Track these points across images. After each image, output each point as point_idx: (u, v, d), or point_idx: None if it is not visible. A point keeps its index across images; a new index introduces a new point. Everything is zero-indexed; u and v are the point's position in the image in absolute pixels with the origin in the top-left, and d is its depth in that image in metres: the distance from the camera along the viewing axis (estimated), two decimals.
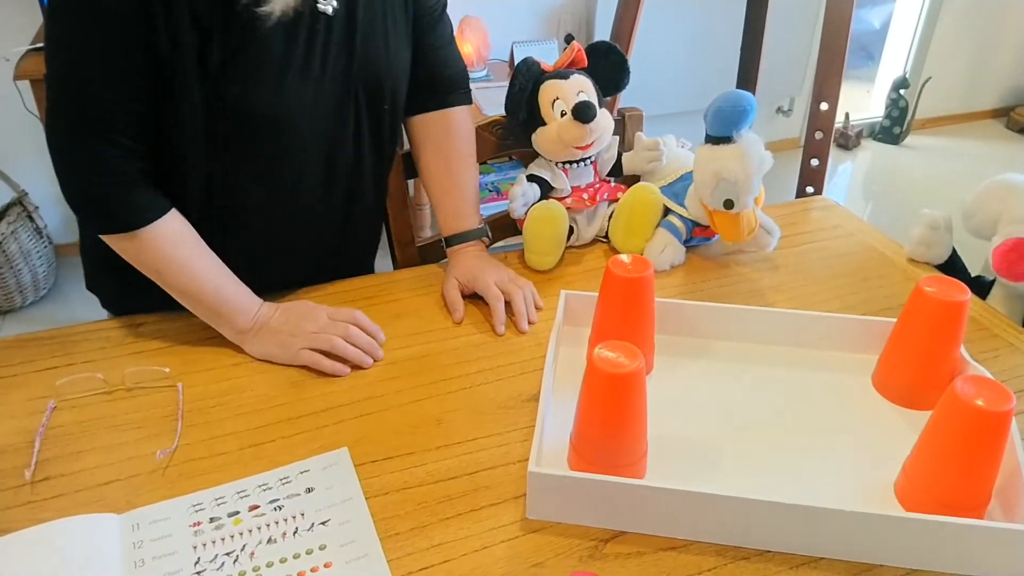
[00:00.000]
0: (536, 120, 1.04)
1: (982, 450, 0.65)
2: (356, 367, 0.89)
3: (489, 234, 1.05)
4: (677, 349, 0.89)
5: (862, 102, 3.73)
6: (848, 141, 3.44)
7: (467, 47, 2.43)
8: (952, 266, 1.10)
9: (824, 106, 1.32)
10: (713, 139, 0.98)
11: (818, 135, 1.35)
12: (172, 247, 0.87)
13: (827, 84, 1.31)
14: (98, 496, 0.73)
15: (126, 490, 0.74)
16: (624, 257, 0.81)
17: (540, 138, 1.05)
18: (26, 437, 0.79)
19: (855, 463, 0.76)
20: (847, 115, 3.45)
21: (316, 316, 0.91)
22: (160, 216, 0.86)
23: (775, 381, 0.86)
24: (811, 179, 1.38)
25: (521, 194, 1.03)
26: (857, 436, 0.79)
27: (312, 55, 0.87)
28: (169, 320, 0.95)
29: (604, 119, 1.03)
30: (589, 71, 1.06)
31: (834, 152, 3.48)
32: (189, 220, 0.89)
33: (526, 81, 1.02)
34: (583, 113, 0.99)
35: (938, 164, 3.39)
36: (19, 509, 0.71)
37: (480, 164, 1.08)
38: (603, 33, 2.81)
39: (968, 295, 0.76)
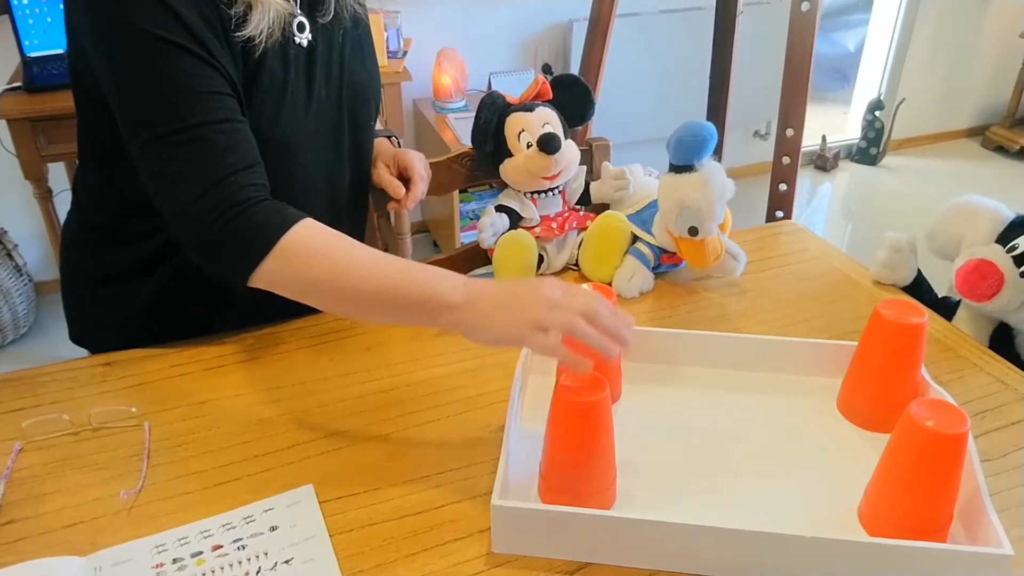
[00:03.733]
0: (503, 152, 1.06)
1: (939, 473, 0.65)
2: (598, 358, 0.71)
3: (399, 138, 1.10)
4: (644, 376, 0.90)
5: (839, 124, 3.78)
6: (826, 163, 3.48)
7: (445, 78, 2.46)
8: (918, 288, 1.11)
9: (790, 132, 1.34)
10: (676, 168, 0.99)
11: (785, 160, 1.37)
12: (331, 240, 0.79)
13: (792, 110, 1.34)
14: (62, 539, 0.72)
15: (90, 532, 0.73)
16: (586, 286, 0.82)
17: (507, 169, 1.06)
18: None
19: (820, 488, 0.76)
20: (824, 137, 3.49)
21: (550, 284, 0.74)
22: (297, 219, 0.79)
23: (741, 407, 0.86)
24: (780, 203, 1.40)
25: (490, 224, 1.04)
26: (822, 460, 0.79)
27: (308, 82, 0.91)
28: (138, 359, 0.95)
29: (569, 150, 1.04)
30: (554, 103, 1.08)
31: (812, 174, 3.52)
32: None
33: (491, 114, 1.03)
34: (548, 144, 1.00)
35: (916, 184, 3.44)
36: None
37: (460, 192, 1.10)
38: (575, 63, 2.85)
39: (925, 317, 0.77)
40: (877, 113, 3.45)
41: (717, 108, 1.66)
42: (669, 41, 2.85)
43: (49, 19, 2.10)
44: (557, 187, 1.08)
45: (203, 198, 0.77)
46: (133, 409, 0.87)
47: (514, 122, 1.05)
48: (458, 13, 2.63)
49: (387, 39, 2.25)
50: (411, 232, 2.55)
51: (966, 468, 0.71)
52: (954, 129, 3.78)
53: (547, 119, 1.05)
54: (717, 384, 0.89)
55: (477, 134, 1.05)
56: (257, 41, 0.82)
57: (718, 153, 1.76)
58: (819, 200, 3.38)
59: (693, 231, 1.00)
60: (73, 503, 0.76)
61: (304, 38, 0.90)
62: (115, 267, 0.97)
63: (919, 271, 1.11)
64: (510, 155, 1.05)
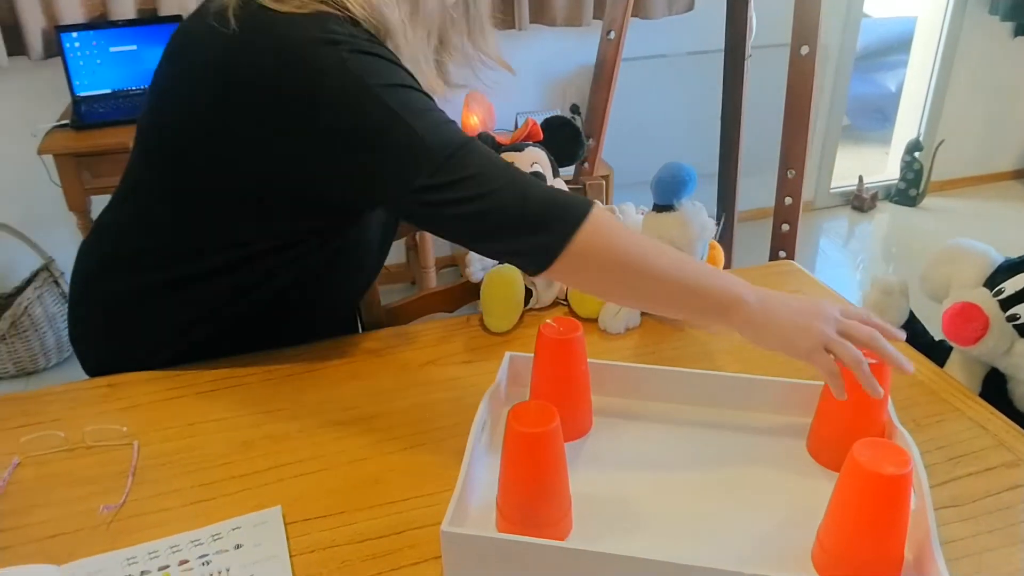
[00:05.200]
0: None
1: (882, 514, 0.65)
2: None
3: None
4: (615, 410, 0.91)
5: (879, 164, 3.73)
6: (863, 204, 3.43)
7: (473, 119, 2.52)
8: (910, 330, 1.10)
9: (791, 173, 1.35)
10: (657, 207, 1.02)
11: (787, 201, 1.37)
12: (622, 225, 0.83)
13: (793, 152, 1.35)
14: (43, 548, 0.77)
15: (70, 543, 0.77)
16: (552, 321, 0.84)
17: None
18: None
19: (781, 527, 0.76)
20: (860, 178, 3.45)
21: (831, 303, 0.79)
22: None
23: (709, 444, 0.87)
24: (783, 244, 1.40)
25: (478, 258, 1.07)
26: (785, 500, 0.79)
27: None
28: (136, 382, 1.00)
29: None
30: (545, 144, 1.11)
31: (849, 214, 3.47)
32: (253, 269, 0.95)
33: None
34: None
35: (956, 226, 3.37)
36: None
37: None
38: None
39: None
40: (916, 154, 3.40)
41: (729, 149, 1.68)
42: (696, 82, 2.88)
43: (98, 61, 2.24)
44: None
45: (506, 185, 0.80)
46: (124, 428, 0.91)
47: None
48: None
49: None
50: (436, 267, 2.61)
51: (919, 511, 0.70)
52: (997, 171, 3.70)
53: (536, 159, 1.08)
54: (687, 420, 0.90)
55: None
56: None
57: (732, 193, 1.77)
58: (856, 241, 3.34)
59: None
60: (59, 515, 0.81)
61: None
62: (126, 296, 1.01)
63: (911, 314, 1.11)
64: None
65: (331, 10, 0.82)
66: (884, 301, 1.08)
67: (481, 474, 0.82)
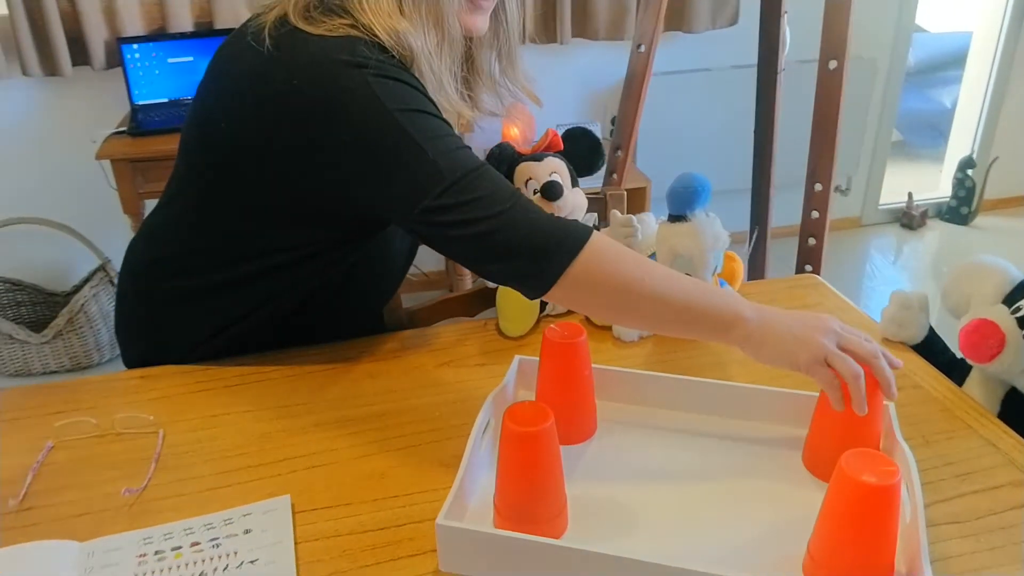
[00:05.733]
0: None
1: (869, 524, 0.65)
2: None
3: None
4: (619, 415, 0.93)
5: (932, 182, 3.65)
6: (912, 221, 3.36)
7: (513, 130, 2.56)
8: (930, 347, 1.09)
9: (818, 187, 1.35)
10: (671, 217, 1.03)
11: (814, 214, 1.37)
12: (623, 249, 0.85)
13: (821, 165, 1.34)
14: (68, 526, 0.82)
15: (93, 522, 0.82)
16: (556, 325, 0.86)
17: None
18: (23, 472, 0.89)
19: (773, 536, 0.76)
20: (910, 195, 3.38)
21: (833, 320, 0.81)
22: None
23: (708, 451, 0.87)
24: (809, 258, 1.39)
25: None
26: (779, 510, 0.79)
27: None
28: (167, 375, 1.06)
29: (574, 197, 1.09)
30: (564, 154, 1.13)
31: (898, 232, 3.40)
32: (282, 279, 1.01)
33: (498, 163, 1.10)
34: (549, 192, 1.06)
35: (1009, 245, 3.27)
36: (4, 532, 0.81)
37: None
38: (649, 115, 2.90)
39: None
40: (969, 171, 3.32)
41: (762, 164, 1.67)
42: (739, 96, 2.85)
43: (156, 71, 2.34)
44: None
45: (510, 209, 0.83)
46: (151, 417, 0.96)
47: (523, 171, 1.11)
48: (529, 66, 2.74)
49: None
50: (472, 275, 2.64)
51: (912, 527, 0.70)
52: None
53: (555, 168, 1.11)
54: (688, 428, 0.91)
55: None
56: None
57: (765, 207, 1.77)
58: (905, 259, 3.27)
59: None
60: (85, 496, 0.85)
61: None
62: (164, 297, 1.07)
63: (932, 330, 1.09)
64: None
65: (360, 34, 0.86)
66: (902, 315, 1.07)
67: (483, 473, 0.84)
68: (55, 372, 2.53)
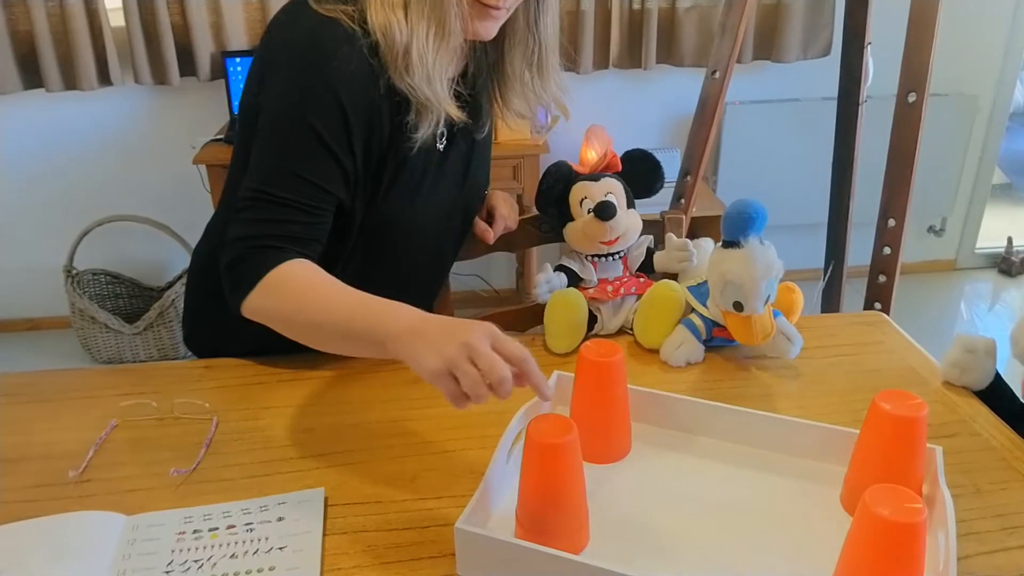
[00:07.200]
0: (566, 216, 1.13)
1: (891, 563, 0.63)
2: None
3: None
4: (655, 439, 0.92)
5: None
6: (1011, 267, 3.18)
7: (590, 153, 2.56)
8: (996, 394, 1.03)
9: (892, 222, 1.30)
10: (725, 243, 1.02)
11: (886, 251, 1.32)
12: (306, 277, 0.92)
13: (894, 201, 1.30)
14: (120, 500, 0.87)
15: (142, 498, 0.87)
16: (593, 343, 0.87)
17: (569, 232, 1.13)
18: (86, 446, 0.95)
19: (799, 572, 0.74)
20: (1010, 239, 3.21)
21: (481, 329, 0.78)
22: (288, 258, 0.92)
23: (743, 482, 0.86)
24: (879, 295, 1.35)
25: (545, 281, 1.11)
26: (809, 548, 0.77)
27: (438, 179, 1.06)
28: (229, 366, 1.11)
29: (628, 219, 1.10)
30: (623, 175, 1.14)
31: (995, 278, 3.23)
32: None
33: (554, 181, 1.11)
34: (602, 212, 1.06)
35: None
36: (62, 500, 0.87)
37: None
38: (733, 144, 2.86)
39: (924, 411, 0.74)
40: None
41: (840, 198, 1.63)
42: (829, 128, 2.79)
43: None
44: (617, 253, 1.14)
45: (246, 239, 0.93)
46: (207, 405, 1.02)
47: (579, 190, 1.12)
48: (613, 91, 2.76)
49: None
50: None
51: (943, 573, 0.67)
52: None
53: (611, 189, 1.11)
54: (724, 457, 0.89)
55: (540, 198, 1.13)
56: (415, 146, 0.98)
57: (842, 243, 1.72)
58: (1001, 307, 3.09)
59: (738, 306, 1.01)
60: (138, 474, 0.91)
61: (442, 144, 1.06)
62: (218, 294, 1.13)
63: (999, 376, 1.04)
64: (572, 219, 1.12)
65: (345, 19, 0.92)
66: (966, 360, 1.02)
67: (509, 483, 0.85)
68: (143, 362, 2.68)
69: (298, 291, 0.91)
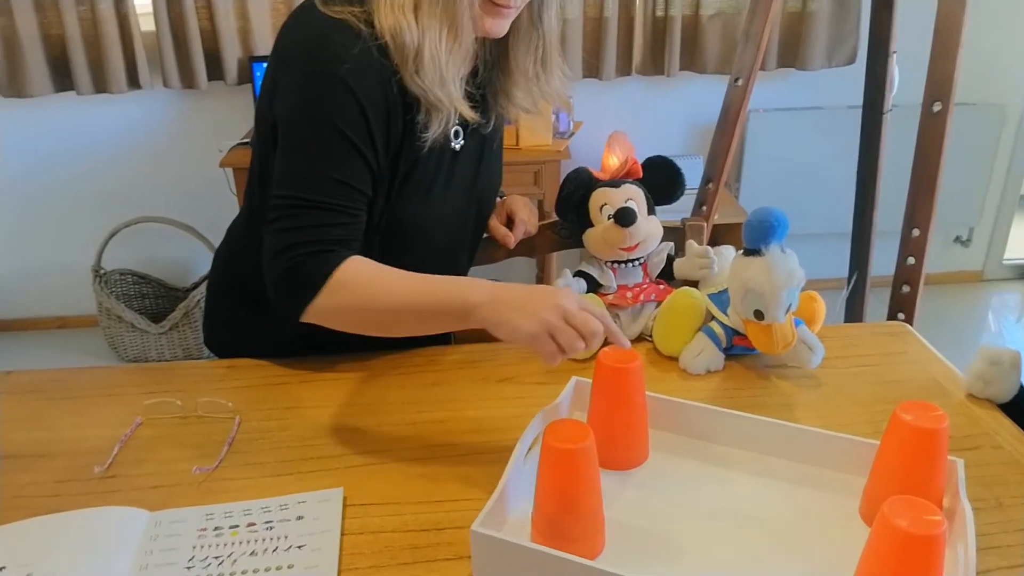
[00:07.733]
0: (586, 222, 1.13)
1: (911, 575, 0.62)
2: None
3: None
4: (673, 446, 0.92)
5: None
6: None
7: (612, 159, 2.56)
8: (1021, 407, 1.02)
9: (916, 232, 1.29)
10: (746, 251, 1.02)
11: (910, 261, 1.31)
12: (368, 270, 0.93)
13: (919, 210, 1.29)
14: (144, 496, 0.88)
15: (165, 495, 0.89)
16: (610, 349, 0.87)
17: (589, 238, 1.14)
18: (111, 443, 0.97)
19: None
20: None
21: (565, 294, 0.85)
22: (345, 258, 0.93)
23: (760, 491, 0.85)
24: (902, 305, 1.33)
25: (563, 282, 1.12)
26: (826, 559, 0.77)
27: (449, 178, 1.07)
28: (251, 367, 1.13)
29: (648, 225, 1.10)
30: (643, 181, 1.14)
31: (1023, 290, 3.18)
32: None
33: (575, 187, 1.12)
34: (622, 218, 1.07)
35: None
36: (87, 496, 0.89)
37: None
38: (756, 151, 2.85)
39: (945, 423, 0.74)
40: None
41: (864, 208, 1.62)
42: (854, 136, 2.77)
43: None
44: (637, 259, 1.14)
45: (294, 247, 0.93)
46: (230, 404, 1.03)
47: (599, 196, 1.12)
48: (635, 97, 2.76)
49: (556, 120, 2.41)
50: None
51: None
52: None
53: (631, 195, 1.12)
54: (742, 465, 0.89)
55: (560, 203, 1.14)
56: (426, 144, 0.99)
57: (865, 252, 1.70)
58: None
59: (759, 314, 1.00)
60: (161, 471, 0.92)
61: (458, 143, 1.06)
62: (248, 293, 1.15)
63: (1022, 388, 1.02)
64: (592, 225, 1.13)
65: (353, 20, 0.92)
66: (990, 371, 1.01)
67: (526, 487, 0.85)
68: (168, 361, 2.71)
69: (366, 283, 0.92)
